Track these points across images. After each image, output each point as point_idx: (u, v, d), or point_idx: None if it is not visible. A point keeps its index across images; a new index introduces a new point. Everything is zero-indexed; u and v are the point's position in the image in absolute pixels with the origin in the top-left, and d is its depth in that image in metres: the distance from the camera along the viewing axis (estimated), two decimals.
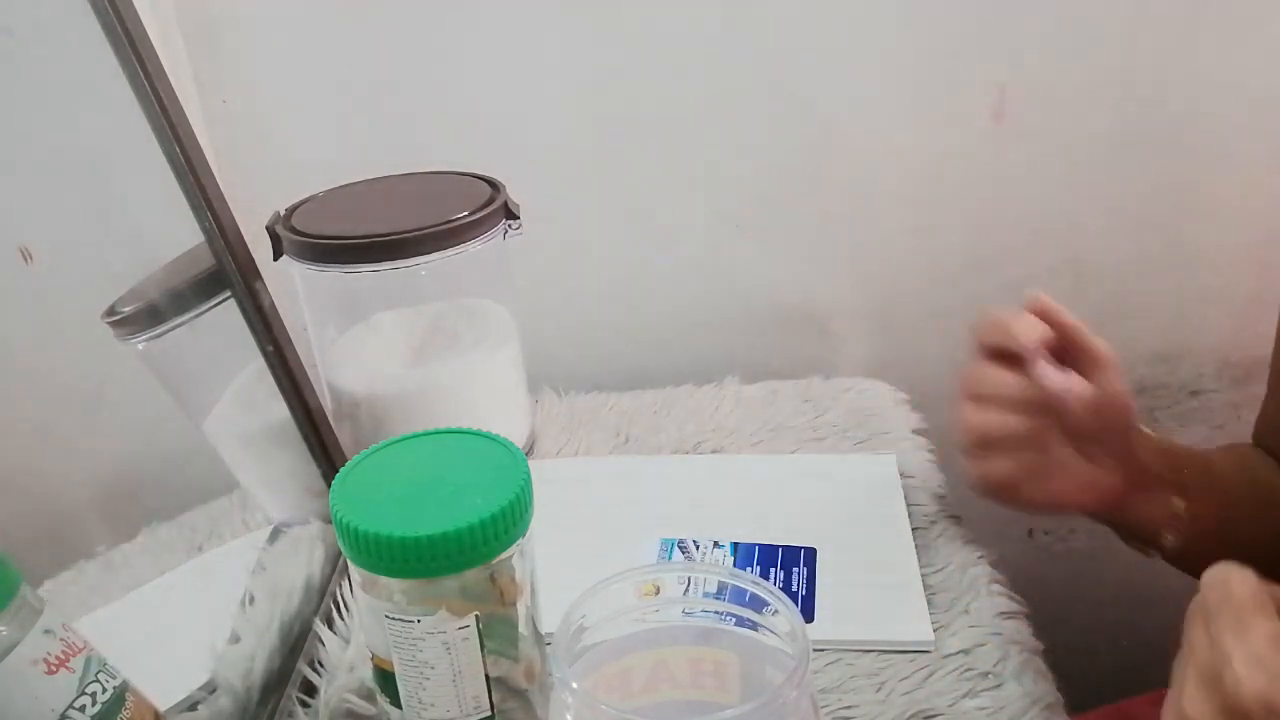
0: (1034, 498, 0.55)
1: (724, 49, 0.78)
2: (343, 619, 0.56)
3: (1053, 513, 0.56)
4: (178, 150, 0.54)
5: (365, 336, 0.70)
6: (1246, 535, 0.58)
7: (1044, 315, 0.54)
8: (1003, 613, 0.55)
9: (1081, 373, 0.53)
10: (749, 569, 0.59)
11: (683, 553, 0.61)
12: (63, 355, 0.49)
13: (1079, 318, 0.73)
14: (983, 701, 0.50)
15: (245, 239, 0.58)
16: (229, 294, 0.58)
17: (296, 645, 0.54)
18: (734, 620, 0.39)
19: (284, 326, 0.60)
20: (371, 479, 0.42)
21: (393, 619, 0.40)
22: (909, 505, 0.63)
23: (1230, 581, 0.37)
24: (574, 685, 0.35)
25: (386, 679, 0.42)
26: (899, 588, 0.57)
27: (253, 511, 0.58)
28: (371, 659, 0.43)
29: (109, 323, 0.51)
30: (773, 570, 0.59)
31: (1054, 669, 0.53)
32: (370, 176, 0.71)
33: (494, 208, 0.64)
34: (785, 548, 0.60)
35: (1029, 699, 0.50)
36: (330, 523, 0.42)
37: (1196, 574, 0.54)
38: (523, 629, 0.43)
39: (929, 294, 0.86)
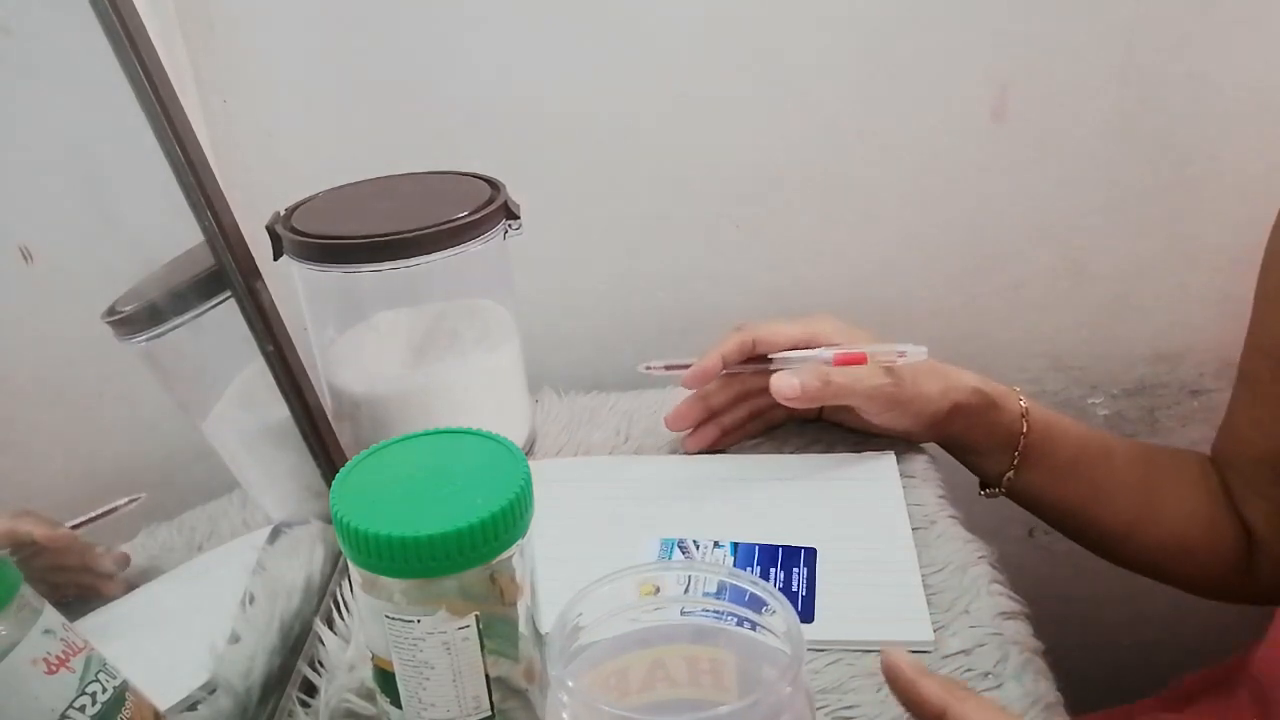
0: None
1: (724, 48, 0.78)
2: (343, 619, 0.56)
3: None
4: (178, 150, 0.54)
5: (365, 336, 0.70)
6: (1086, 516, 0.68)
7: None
8: (1003, 613, 0.55)
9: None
10: (749, 569, 0.59)
11: (683, 552, 0.61)
12: (63, 355, 0.49)
13: (1079, 318, 0.76)
14: None
15: (245, 239, 0.58)
16: (229, 294, 0.58)
17: (296, 645, 0.54)
18: (732, 620, 0.39)
19: (284, 326, 0.60)
20: (371, 479, 0.42)
21: (393, 619, 0.40)
22: (909, 505, 0.63)
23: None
24: (569, 684, 0.35)
25: (386, 679, 0.42)
26: (899, 588, 0.57)
27: (253, 511, 0.58)
28: (371, 659, 0.43)
29: (109, 323, 0.51)
30: (773, 570, 0.59)
31: (1054, 669, 0.53)
32: (370, 176, 0.71)
33: (494, 208, 0.64)
34: (785, 548, 0.60)
35: (1029, 699, 0.50)
36: (330, 523, 0.42)
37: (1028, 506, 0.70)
38: (523, 629, 0.43)
39: (929, 294, 0.86)
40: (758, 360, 0.67)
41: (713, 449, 0.70)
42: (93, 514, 0.45)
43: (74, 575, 0.44)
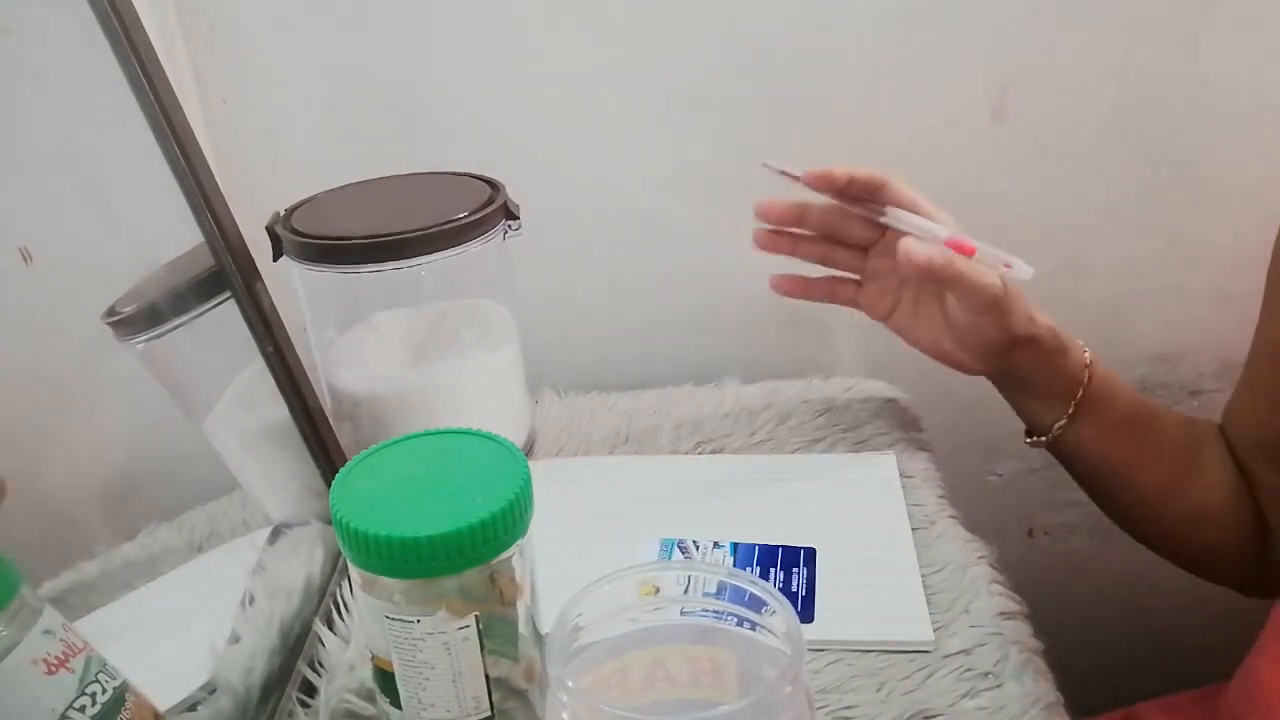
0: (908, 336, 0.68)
1: (724, 48, 0.78)
2: (343, 619, 0.56)
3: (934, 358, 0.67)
4: (178, 150, 0.54)
5: (365, 336, 0.70)
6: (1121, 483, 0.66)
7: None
8: (1003, 613, 0.55)
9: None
10: (749, 569, 0.59)
11: (683, 553, 0.61)
12: (63, 355, 0.49)
13: (1079, 318, 0.75)
14: (983, 701, 0.50)
15: (245, 239, 0.58)
16: (229, 294, 0.58)
17: (296, 645, 0.54)
18: (733, 620, 0.39)
19: (284, 327, 0.60)
20: (371, 479, 0.42)
21: (393, 619, 0.40)
22: (909, 505, 0.63)
23: None
24: (569, 684, 0.35)
25: (386, 679, 0.42)
26: (899, 588, 0.57)
27: (253, 511, 0.58)
28: (371, 659, 0.43)
29: (109, 323, 0.51)
30: (773, 570, 0.59)
31: (1054, 669, 0.53)
32: (370, 176, 0.71)
33: (494, 208, 0.64)
34: (785, 548, 0.60)
35: (1029, 699, 0.50)
36: (330, 523, 0.42)
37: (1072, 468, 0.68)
38: (523, 629, 0.43)
39: None
40: (872, 205, 0.66)
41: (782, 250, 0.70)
42: None
43: None
